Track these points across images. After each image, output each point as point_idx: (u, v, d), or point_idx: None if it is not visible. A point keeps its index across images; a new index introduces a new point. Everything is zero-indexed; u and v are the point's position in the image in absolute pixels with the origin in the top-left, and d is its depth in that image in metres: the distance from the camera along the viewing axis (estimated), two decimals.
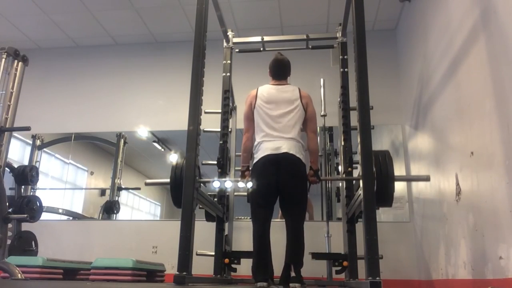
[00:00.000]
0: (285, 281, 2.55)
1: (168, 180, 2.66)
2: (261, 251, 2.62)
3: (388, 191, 2.43)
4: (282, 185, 2.69)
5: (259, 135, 2.85)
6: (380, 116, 4.28)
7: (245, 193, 4.47)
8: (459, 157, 2.75)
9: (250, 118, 2.94)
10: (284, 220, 2.75)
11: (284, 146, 2.73)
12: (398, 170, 4.25)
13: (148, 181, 3.08)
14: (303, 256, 2.64)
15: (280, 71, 3.00)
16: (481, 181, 2.41)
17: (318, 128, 4.02)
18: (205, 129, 3.53)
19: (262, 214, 2.71)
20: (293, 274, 2.54)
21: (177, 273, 2.06)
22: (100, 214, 4.89)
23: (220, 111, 3.61)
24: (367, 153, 2.19)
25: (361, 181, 2.20)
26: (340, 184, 3.65)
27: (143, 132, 5.07)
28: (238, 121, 4.05)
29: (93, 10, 4.69)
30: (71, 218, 5.01)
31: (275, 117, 2.83)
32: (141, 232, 4.57)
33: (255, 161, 2.81)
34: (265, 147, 2.76)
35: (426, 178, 2.71)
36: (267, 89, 2.95)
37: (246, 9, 4.55)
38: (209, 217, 3.27)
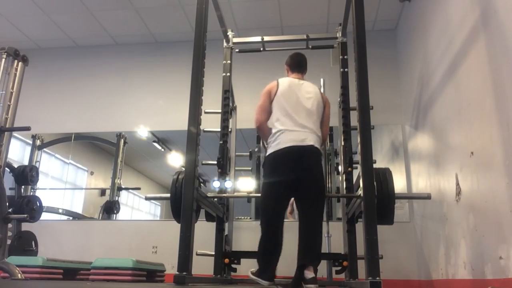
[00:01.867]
0: (298, 284, 2.40)
1: (168, 195, 2.62)
2: (273, 251, 2.50)
3: (389, 209, 2.41)
4: (306, 180, 2.55)
5: (278, 124, 2.63)
6: (380, 116, 4.28)
7: (245, 193, 4.47)
8: (459, 157, 2.75)
9: (266, 109, 2.72)
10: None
11: (309, 138, 2.58)
12: (398, 170, 4.27)
13: (149, 195, 3.08)
14: (320, 255, 2.57)
15: (299, 63, 2.95)
16: (481, 181, 2.41)
17: None
18: (205, 129, 3.53)
19: (277, 211, 2.55)
20: (312, 274, 2.39)
21: (177, 273, 2.06)
22: (100, 214, 4.89)
23: (220, 111, 3.60)
24: (367, 153, 2.18)
25: (361, 181, 2.20)
26: (340, 185, 3.65)
27: (143, 132, 5.07)
28: (238, 121, 4.05)
29: (93, 10, 4.69)
30: (71, 218, 5.01)
31: (297, 107, 2.66)
32: (141, 232, 4.57)
33: (271, 150, 2.59)
34: (287, 138, 2.56)
35: (427, 197, 2.67)
36: (288, 80, 2.81)
37: (246, 9, 4.55)
38: (209, 217, 3.27)
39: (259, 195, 2.77)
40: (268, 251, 2.54)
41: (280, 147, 2.56)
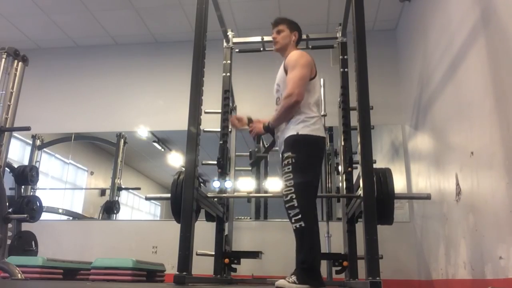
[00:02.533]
0: None
1: (168, 195, 2.61)
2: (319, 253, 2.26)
3: (389, 209, 2.41)
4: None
5: (315, 109, 2.37)
6: (380, 116, 4.27)
7: (245, 193, 4.46)
8: (459, 157, 2.75)
9: (305, 84, 2.35)
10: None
11: None
12: (398, 170, 4.27)
13: (149, 195, 3.09)
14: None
15: None
16: (481, 181, 2.41)
17: None
18: (205, 129, 3.53)
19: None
20: None
21: (177, 273, 2.06)
22: (100, 214, 4.89)
23: (220, 111, 3.61)
24: (367, 153, 2.19)
25: (361, 181, 2.20)
26: (340, 184, 3.65)
27: (143, 132, 5.07)
28: None
29: (93, 10, 4.69)
30: (71, 218, 5.01)
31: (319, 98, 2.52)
32: (141, 232, 4.57)
33: (311, 133, 2.30)
34: (322, 127, 2.41)
35: (427, 197, 2.67)
36: None
37: (246, 9, 4.55)
38: (209, 217, 3.27)
39: (291, 185, 2.23)
40: (320, 249, 2.28)
41: (319, 134, 2.32)
